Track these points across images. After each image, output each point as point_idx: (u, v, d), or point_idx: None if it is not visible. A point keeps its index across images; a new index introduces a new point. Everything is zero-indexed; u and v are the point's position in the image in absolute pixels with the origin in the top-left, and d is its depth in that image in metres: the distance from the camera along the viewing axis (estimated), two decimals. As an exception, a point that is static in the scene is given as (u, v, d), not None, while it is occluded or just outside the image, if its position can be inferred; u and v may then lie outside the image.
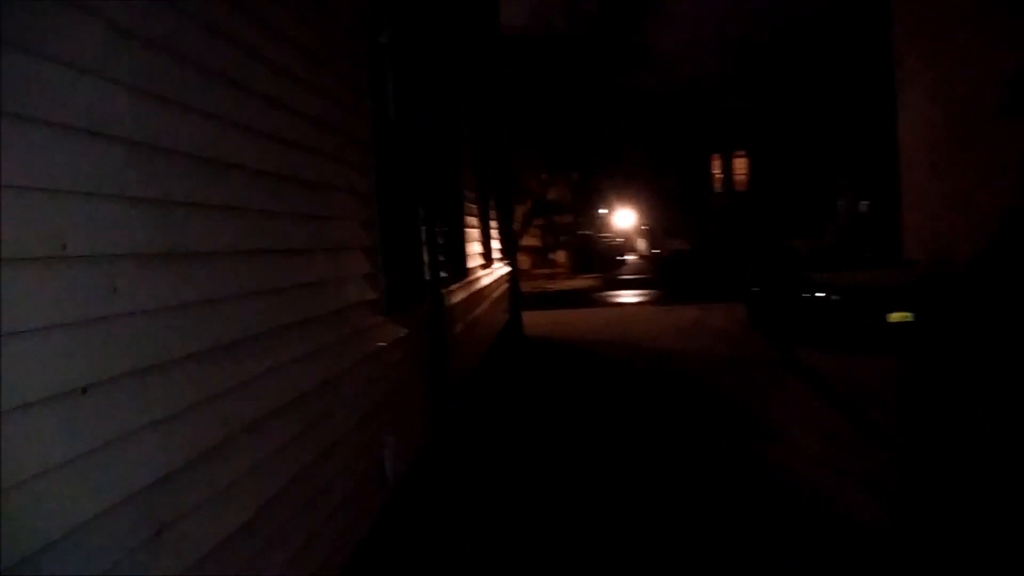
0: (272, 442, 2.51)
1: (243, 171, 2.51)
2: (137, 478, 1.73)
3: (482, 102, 10.15)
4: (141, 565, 1.70)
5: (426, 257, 5.40)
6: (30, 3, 1.53)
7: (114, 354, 1.72)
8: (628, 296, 22.21)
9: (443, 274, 5.85)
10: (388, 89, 5.02)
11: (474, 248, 8.40)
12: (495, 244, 10.70)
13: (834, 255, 12.04)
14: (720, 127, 33.29)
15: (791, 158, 26.52)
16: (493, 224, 10.68)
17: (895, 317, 9.40)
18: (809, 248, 12.34)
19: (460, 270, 7.29)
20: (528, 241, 32.08)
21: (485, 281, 9.01)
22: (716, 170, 35.78)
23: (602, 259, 38.31)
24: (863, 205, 18.93)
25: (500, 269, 10.98)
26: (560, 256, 36.23)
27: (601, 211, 47.65)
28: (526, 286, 19.37)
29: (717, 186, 35.86)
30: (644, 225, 46.12)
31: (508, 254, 12.24)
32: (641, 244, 47.60)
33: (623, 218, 47.48)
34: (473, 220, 8.51)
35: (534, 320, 14.31)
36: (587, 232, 42.36)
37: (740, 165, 35.16)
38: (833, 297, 9.73)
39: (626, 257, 43.49)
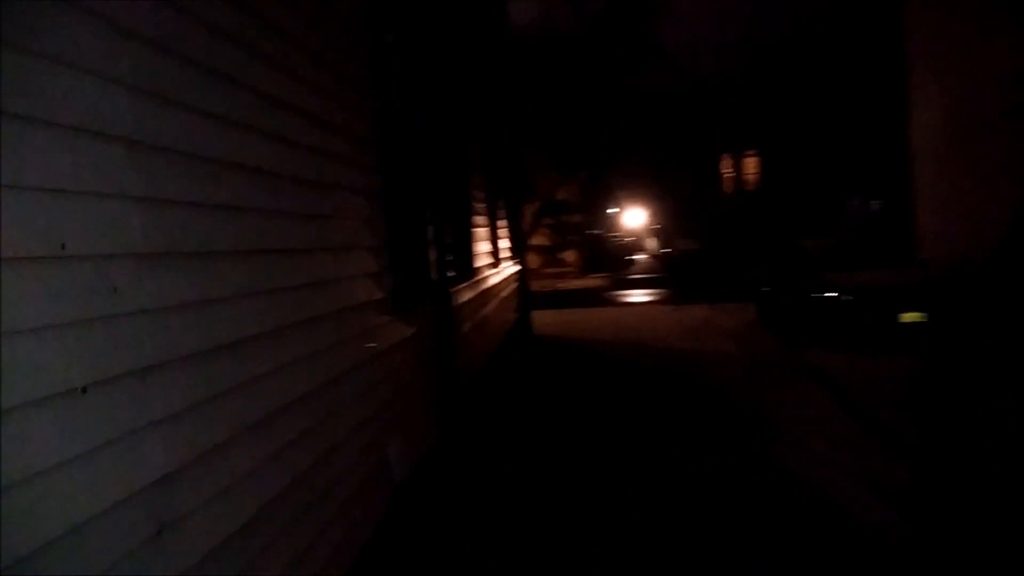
0: (275, 442, 2.51)
1: (245, 170, 2.51)
2: (137, 478, 1.73)
3: (490, 101, 10.14)
4: (141, 565, 1.70)
5: (433, 256, 5.40)
6: (29, 2, 1.53)
7: (114, 354, 1.72)
8: (637, 295, 22.14)
9: (450, 273, 5.85)
10: (394, 88, 5.01)
11: (482, 247, 8.39)
12: (503, 243, 10.68)
13: (845, 255, 11.98)
14: (730, 126, 33.13)
15: (802, 157, 26.37)
16: (501, 223, 10.66)
17: (907, 317, 9.33)
18: (820, 248, 12.27)
19: (468, 269, 7.29)
20: (538, 240, 32.06)
21: (493, 280, 9.00)
22: (726, 169, 35.60)
23: (612, 258, 38.24)
24: (875, 204, 18.81)
25: (509, 268, 10.96)
26: (570, 255, 36.18)
27: (611, 210, 47.57)
28: (536, 285, 19.36)
29: (727, 185, 35.68)
30: (654, 224, 46.00)
31: (517, 253, 12.23)
32: (651, 243, 47.48)
33: (633, 217, 47.38)
34: (481, 219, 8.50)
35: (543, 319, 14.29)
36: (597, 231, 42.31)
37: (750, 164, 34.97)
38: (844, 297, 9.66)
39: (636, 256, 43.39)
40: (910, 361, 8.60)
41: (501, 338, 9.38)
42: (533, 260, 31.77)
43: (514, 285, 11.54)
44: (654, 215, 44.21)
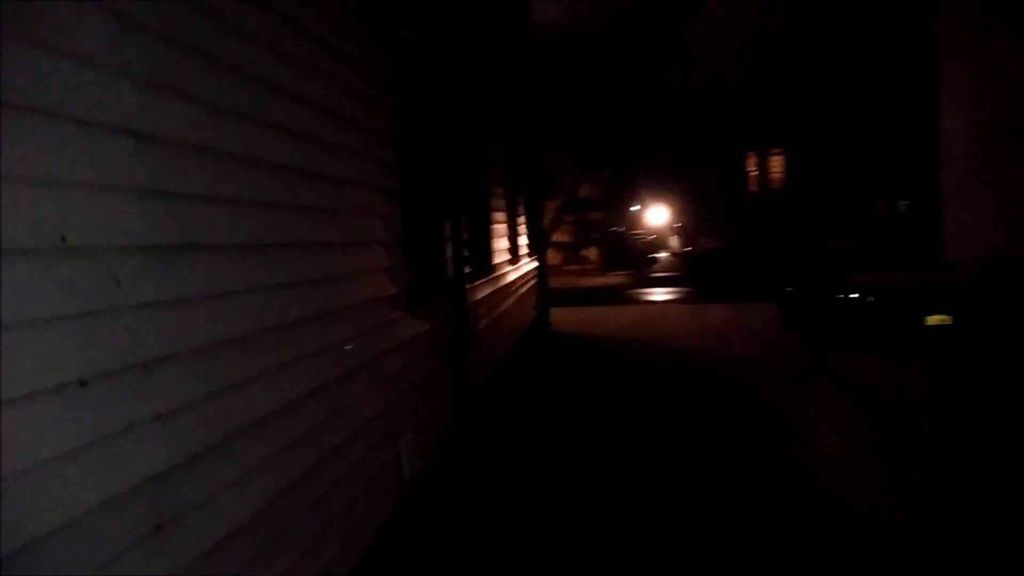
0: (282, 438, 2.50)
1: (255, 164, 2.49)
2: (137, 472, 1.72)
3: (512, 97, 10.09)
4: (139, 560, 1.68)
5: (449, 252, 5.37)
6: (30, -8, 1.52)
7: (116, 347, 1.71)
8: (659, 294, 22.00)
9: (467, 269, 5.82)
10: (413, 83, 4.99)
11: (501, 244, 8.36)
12: (523, 240, 10.65)
13: (870, 255, 11.80)
14: (756, 124, 32.79)
15: (828, 156, 26.01)
16: (521, 220, 10.62)
17: (932, 320, 9.16)
18: (844, 248, 12.09)
19: (485, 266, 7.26)
20: (559, 237, 31.97)
21: (511, 277, 8.97)
22: (751, 168, 35.25)
23: (633, 256, 38.03)
24: (901, 205, 18.50)
25: (527, 265, 10.92)
26: (591, 253, 36.05)
27: (633, 208, 47.33)
28: (556, 282, 19.30)
29: (752, 184, 35.31)
30: (677, 223, 45.70)
31: (536, 250, 12.18)
32: (673, 242, 47.20)
33: (655, 215, 47.11)
34: (500, 215, 8.47)
35: (562, 317, 14.23)
36: (619, 229, 42.13)
37: (776, 163, 34.59)
38: (868, 298, 9.50)
39: (658, 255, 43.14)
40: (934, 365, 8.45)
41: (518, 336, 9.35)
42: (554, 257, 31.69)
43: (532, 282, 11.49)
44: (677, 213, 43.92)
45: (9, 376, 1.40)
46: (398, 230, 4.13)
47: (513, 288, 9.10)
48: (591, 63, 23.61)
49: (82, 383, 1.58)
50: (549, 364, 10.04)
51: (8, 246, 1.43)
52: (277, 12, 2.70)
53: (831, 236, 15.59)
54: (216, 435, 2.09)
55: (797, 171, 32.04)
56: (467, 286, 5.77)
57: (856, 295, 9.62)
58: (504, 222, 8.74)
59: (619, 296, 21.54)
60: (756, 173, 35.25)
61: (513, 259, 9.31)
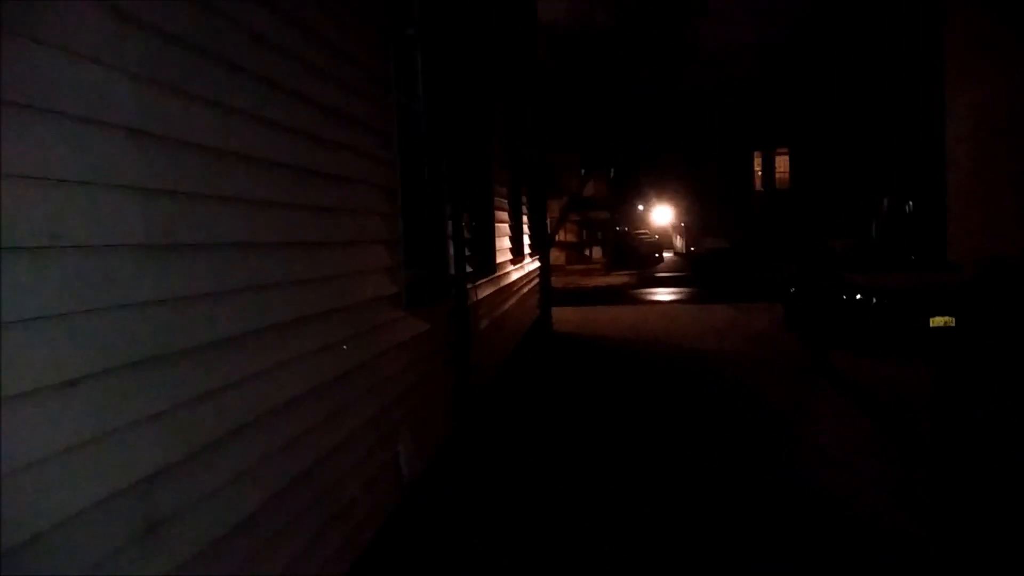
0: (279, 438, 2.49)
1: (254, 162, 2.48)
2: (128, 473, 1.71)
3: (516, 95, 10.09)
4: (130, 561, 1.68)
5: (451, 251, 5.36)
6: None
7: (109, 346, 1.70)
8: (663, 294, 21.98)
9: (469, 269, 5.81)
10: (415, 82, 4.99)
11: (503, 243, 8.35)
12: (526, 239, 10.63)
13: (874, 256, 11.75)
14: (761, 124, 32.73)
15: (833, 157, 25.95)
16: (525, 219, 10.61)
17: (936, 322, 9.13)
18: (848, 248, 12.05)
19: (487, 265, 7.25)
20: (564, 237, 31.99)
21: (514, 276, 8.96)
22: (757, 167, 35.19)
23: (638, 256, 38.05)
24: (908, 205, 18.44)
25: (530, 264, 10.92)
26: (596, 252, 36.07)
27: (638, 208, 47.26)
28: (560, 282, 19.30)
29: (758, 184, 35.27)
30: (682, 222, 45.65)
31: (539, 249, 12.17)
32: (678, 241, 47.10)
33: (660, 215, 47.08)
34: (503, 215, 8.46)
35: (565, 316, 14.23)
36: (623, 228, 42.09)
37: (782, 163, 34.53)
38: (872, 300, 9.47)
39: (663, 254, 43.10)
40: (937, 366, 8.41)
41: (520, 335, 9.34)
42: (559, 256, 31.72)
43: (535, 281, 11.49)
44: (682, 213, 43.88)
45: (-1, 376, 1.39)
46: (399, 229, 4.12)
47: (516, 288, 9.09)
48: (597, 62, 23.57)
49: (73, 383, 1.57)
50: (551, 364, 10.04)
51: (2, 243, 1.42)
52: (278, 9, 2.69)
53: (835, 236, 15.54)
54: (212, 435, 2.09)
55: (802, 171, 31.97)
56: (469, 285, 5.76)
57: (858, 296, 9.59)
58: (507, 221, 8.73)
59: (623, 296, 21.53)
60: (761, 172, 35.18)
61: (516, 258, 9.30)
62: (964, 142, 13.35)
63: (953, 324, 9.11)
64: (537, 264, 11.77)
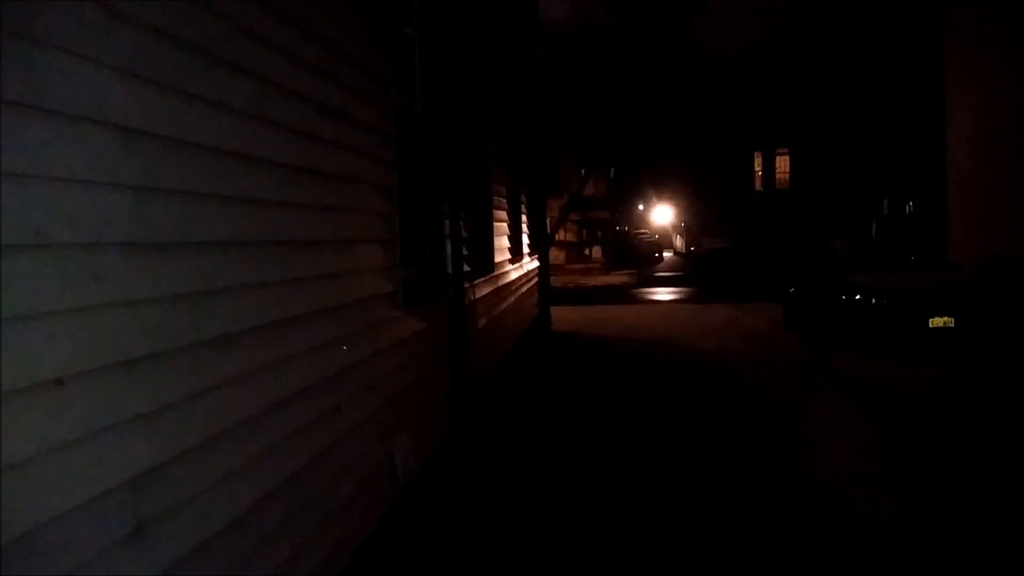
0: (270, 438, 2.47)
1: (248, 161, 2.46)
2: (116, 473, 1.69)
3: (516, 94, 10.06)
4: (117, 563, 1.66)
5: (449, 250, 5.34)
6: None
7: (96, 345, 1.68)
8: (663, 293, 21.97)
9: (467, 268, 5.79)
10: (413, 80, 4.96)
11: (502, 242, 8.33)
12: (525, 239, 10.62)
13: (874, 256, 11.75)
14: (762, 124, 32.74)
15: (834, 156, 25.93)
16: (524, 219, 10.59)
17: (936, 322, 9.11)
18: (847, 249, 12.04)
19: (486, 264, 7.23)
20: (564, 236, 31.97)
21: (512, 276, 8.94)
22: (757, 167, 35.19)
23: (638, 255, 38.05)
24: (908, 206, 18.43)
25: (529, 264, 10.90)
26: (595, 252, 36.06)
27: (638, 207, 47.24)
28: (560, 281, 19.29)
29: (758, 184, 35.27)
30: (682, 222, 45.64)
31: (539, 249, 12.15)
32: (678, 241, 47.10)
33: (660, 215, 47.05)
34: (502, 214, 8.44)
35: (564, 316, 14.21)
36: (623, 228, 42.08)
37: (782, 163, 34.53)
38: (872, 300, 9.45)
39: (662, 254, 43.09)
40: (936, 366, 8.40)
41: (519, 335, 9.32)
42: (558, 256, 31.70)
43: (534, 280, 11.47)
44: (682, 213, 43.87)
45: (-17, 374, 1.37)
46: (396, 228, 4.10)
47: (514, 287, 9.07)
48: (597, 62, 23.55)
49: (59, 382, 1.55)
50: (550, 363, 10.02)
51: (-17, 242, 1.40)
52: (273, 7, 2.67)
53: (835, 236, 15.52)
54: (201, 435, 2.06)
55: (802, 171, 31.98)
56: (467, 285, 5.74)
57: (858, 296, 9.57)
58: (506, 220, 8.71)
59: (622, 295, 21.51)
60: (761, 172, 35.18)
61: (514, 258, 9.28)
62: (964, 142, 13.33)
63: (952, 325, 9.09)
64: (536, 263, 11.75)
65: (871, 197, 21.26)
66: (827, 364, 8.86)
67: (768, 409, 6.95)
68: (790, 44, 29.52)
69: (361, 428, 3.36)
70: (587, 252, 35.97)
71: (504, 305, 8.13)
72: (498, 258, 7.93)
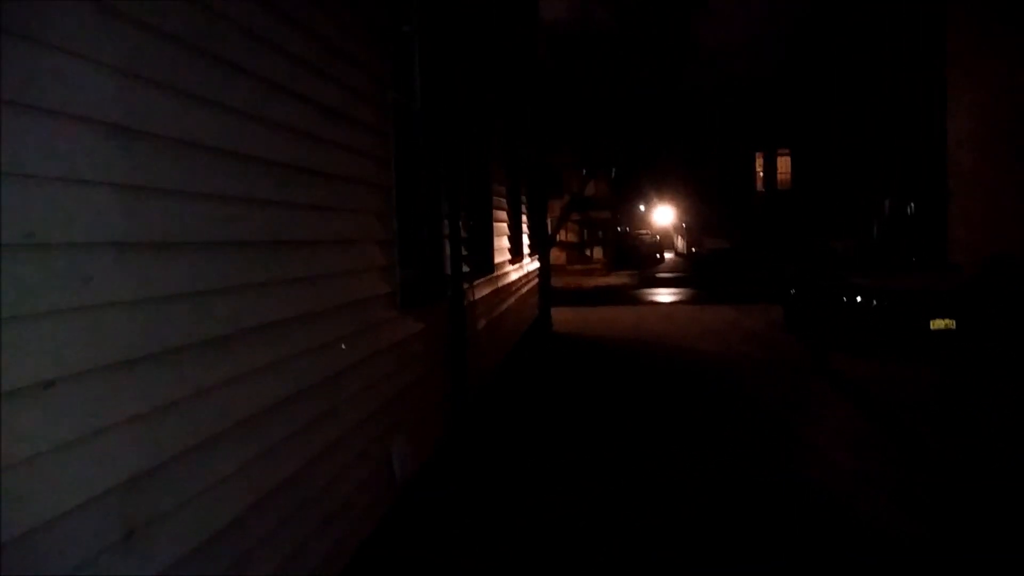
0: (265, 440, 2.45)
1: (244, 160, 2.44)
2: (106, 478, 1.66)
3: (516, 94, 10.04)
4: (106, 569, 1.64)
5: (448, 251, 5.32)
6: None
7: (86, 347, 1.66)
8: (664, 294, 21.95)
9: (466, 269, 5.77)
10: (413, 79, 4.95)
11: (502, 243, 8.31)
12: (525, 239, 10.59)
13: (875, 257, 11.73)
14: (763, 125, 32.73)
15: (835, 157, 25.90)
16: (524, 219, 10.57)
17: (937, 324, 9.09)
18: (849, 249, 12.01)
19: (485, 265, 7.21)
20: (565, 237, 31.92)
21: (513, 276, 8.92)
22: (758, 168, 35.17)
23: (639, 256, 38.04)
24: (910, 206, 18.40)
25: (530, 265, 10.88)
26: (597, 252, 36.03)
27: (640, 208, 47.21)
28: (561, 282, 19.27)
29: (759, 184, 35.24)
30: (683, 222, 45.61)
31: (539, 249, 12.13)
32: (679, 242, 47.07)
33: (662, 215, 47.02)
34: (502, 214, 8.42)
35: (565, 317, 14.19)
36: (625, 229, 42.06)
37: (783, 163, 34.52)
38: (872, 302, 9.43)
39: (664, 254, 43.06)
40: (936, 367, 8.38)
41: (518, 336, 9.30)
42: (559, 256, 31.68)
43: (535, 281, 11.45)
44: (683, 213, 43.84)
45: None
46: (394, 228, 4.08)
47: (514, 288, 9.05)
48: (597, 62, 23.53)
49: (48, 385, 1.53)
50: (550, 365, 10.00)
51: (-29, 242, 1.38)
52: (270, 5, 2.66)
53: (836, 237, 15.50)
54: (195, 438, 2.04)
55: (803, 171, 31.94)
56: (466, 285, 5.72)
57: (859, 298, 9.55)
58: (506, 221, 8.69)
59: (623, 296, 21.50)
60: (763, 173, 35.16)
61: (515, 258, 9.26)
62: (965, 143, 13.31)
63: (953, 327, 9.07)
64: (536, 264, 11.73)
65: (872, 197, 21.23)
66: (827, 365, 8.84)
67: (768, 410, 6.93)
68: (791, 44, 29.49)
69: (359, 430, 3.34)
70: (588, 253, 35.94)
71: (504, 306, 8.11)
72: (498, 259, 7.91)
